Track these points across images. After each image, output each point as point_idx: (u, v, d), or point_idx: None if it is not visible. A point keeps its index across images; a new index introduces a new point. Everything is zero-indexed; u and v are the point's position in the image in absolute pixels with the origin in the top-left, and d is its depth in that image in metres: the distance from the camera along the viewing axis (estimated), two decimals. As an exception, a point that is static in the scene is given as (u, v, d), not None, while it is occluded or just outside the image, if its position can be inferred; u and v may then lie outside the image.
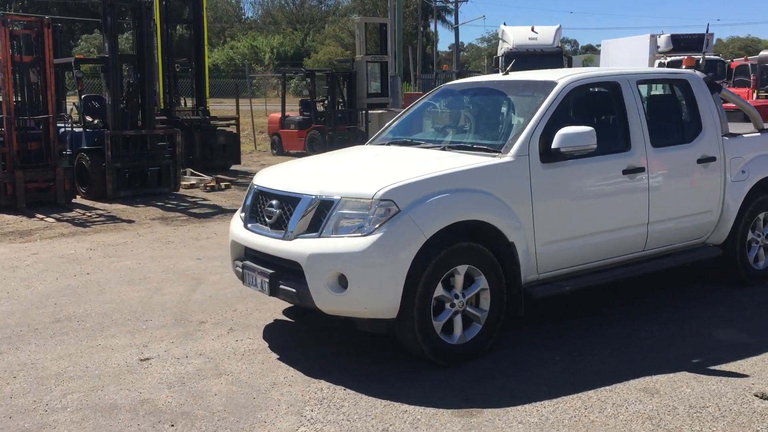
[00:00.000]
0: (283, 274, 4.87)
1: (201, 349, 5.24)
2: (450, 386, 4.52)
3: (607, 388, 4.47)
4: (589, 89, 5.69)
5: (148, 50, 12.42)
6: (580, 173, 5.35)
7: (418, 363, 4.82)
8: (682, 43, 29.98)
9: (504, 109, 5.91)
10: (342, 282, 4.56)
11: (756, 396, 4.32)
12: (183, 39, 16.87)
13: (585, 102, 5.67)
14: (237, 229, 5.43)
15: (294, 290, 4.76)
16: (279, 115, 19.91)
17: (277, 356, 5.09)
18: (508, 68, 6.31)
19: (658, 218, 5.81)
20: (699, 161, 6.08)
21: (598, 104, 5.79)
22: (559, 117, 5.32)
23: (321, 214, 4.73)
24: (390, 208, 4.56)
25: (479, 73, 30.93)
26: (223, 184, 13.26)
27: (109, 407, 4.30)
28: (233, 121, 16.28)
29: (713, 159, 6.16)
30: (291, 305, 6.11)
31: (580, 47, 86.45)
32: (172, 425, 4.08)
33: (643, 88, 6.17)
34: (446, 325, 4.79)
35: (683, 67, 6.97)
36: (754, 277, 6.62)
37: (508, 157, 5.06)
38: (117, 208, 11.27)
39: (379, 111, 19.14)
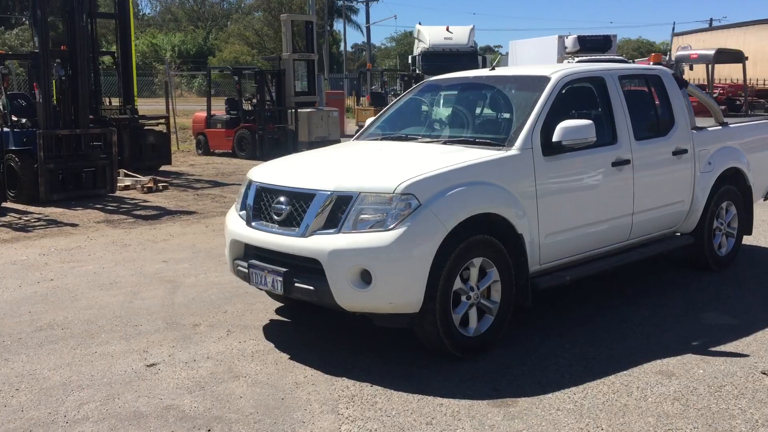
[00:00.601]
0: (298, 272, 4.77)
1: (206, 352, 5.07)
2: (474, 378, 4.55)
3: (625, 372, 4.62)
4: (578, 84, 5.83)
5: (81, 45, 11.85)
6: (577, 166, 5.50)
7: (432, 357, 4.83)
8: (588, 44, 31.13)
9: (499, 103, 6.00)
10: (365, 278, 4.51)
11: (764, 374, 4.56)
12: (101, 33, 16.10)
13: (575, 96, 5.80)
14: (238, 227, 5.28)
15: (312, 288, 4.67)
16: (204, 114, 19.39)
17: (288, 356, 4.99)
18: (494, 64, 6.40)
19: (640, 209, 6.04)
20: (674, 153, 6.36)
21: (587, 98, 5.95)
22: (554, 111, 5.44)
23: (338, 210, 4.66)
24: (411, 203, 4.55)
25: (405, 73, 30.92)
26: (161, 185, 12.83)
27: (133, 415, 4.11)
28: (162, 120, 15.76)
29: (685, 151, 6.45)
30: (282, 305, 6.03)
31: (478, 48, 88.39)
32: (209, 430, 3.93)
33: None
34: (462, 318, 4.83)
35: (650, 63, 7.27)
36: (718, 263, 6.99)
37: (513, 151, 5.15)
38: (54, 212, 10.71)
39: (308, 110, 19.01)
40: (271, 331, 5.51)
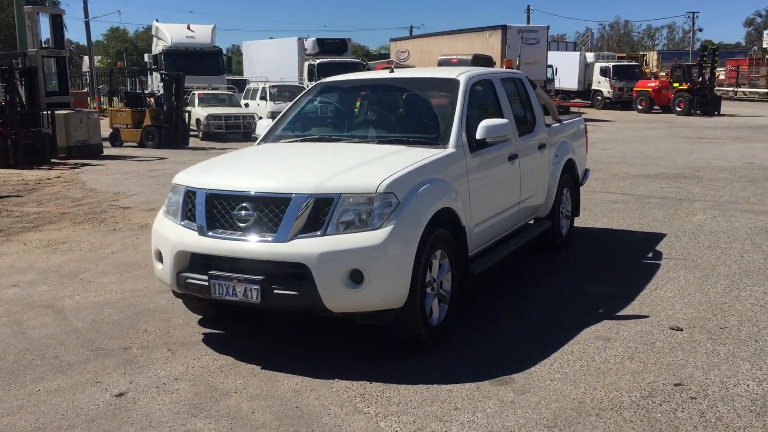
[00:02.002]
0: (276, 278, 4.65)
1: (167, 374, 4.72)
2: (458, 365, 4.80)
3: (573, 341, 5.21)
4: (477, 86, 6.31)
5: None
6: (491, 161, 5.99)
7: (400, 351, 4.99)
8: (326, 47, 32.41)
9: (416, 104, 6.25)
10: (355, 278, 4.55)
11: (673, 329, 5.44)
12: None
13: (477, 97, 6.27)
14: (186, 238, 4.95)
15: (296, 293, 4.59)
16: (-67, 118, 16.80)
17: (260, 367, 4.84)
18: (392, 67, 6.66)
19: (524, 197, 6.74)
20: (538, 148, 7.16)
21: (484, 99, 6.46)
22: (469, 111, 5.89)
23: (319, 212, 4.64)
24: (391, 201, 4.68)
25: (166, 72, 29.38)
26: (-77, 201, 11.03)
27: (156, 448, 3.76)
28: None
29: (544, 146, 7.30)
30: (202, 317, 5.75)
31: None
32: (254, 449, 3.76)
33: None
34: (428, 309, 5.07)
35: (503, 67, 8.03)
36: (563, 242, 7.99)
37: (450, 149, 5.49)
38: None
39: (65, 111, 17.43)
40: (216, 345, 5.25)
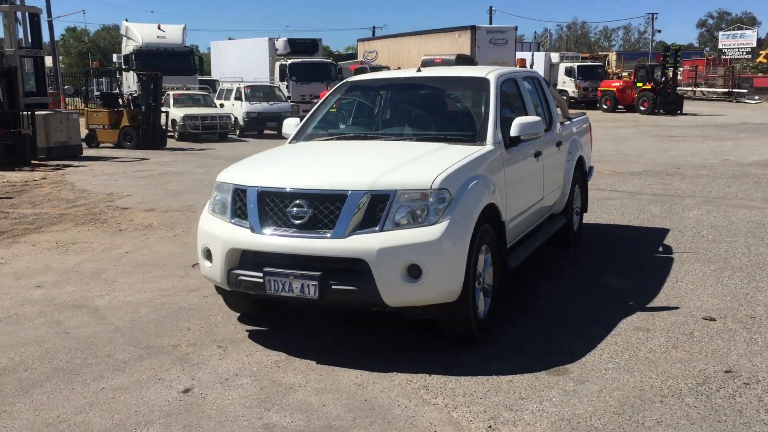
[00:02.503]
0: (333, 274, 4.71)
1: (226, 370, 4.75)
2: (508, 358, 4.90)
3: (614, 333, 5.36)
4: (504, 85, 6.44)
5: None
6: (521, 157, 6.13)
7: (445, 345, 5.10)
8: (297, 47, 32.34)
9: (448, 102, 6.36)
10: (413, 272, 4.63)
11: (705, 319, 5.63)
12: None
13: (504, 95, 6.41)
14: (239, 236, 4.97)
15: (354, 288, 4.65)
16: None
17: (315, 362, 4.89)
18: (419, 67, 6.74)
19: (546, 193, 6.90)
20: (556, 145, 7.32)
21: (510, 97, 6.59)
22: (500, 108, 6.01)
23: (375, 209, 4.71)
24: (445, 197, 4.78)
25: (144, 72, 28.83)
26: None
27: (240, 442, 3.80)
28: None
29: (561, 143, 7.47)
30: (240, 314, 5.78)
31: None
32: (338, 440, 3.82)
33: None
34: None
35: (517, 66, 8.16)
36: (575, 237, 8.17)
37: (489, 146, 5.60)
38: None
39: (45, 112, 17.13)
40: (265, 341, 5.28)
